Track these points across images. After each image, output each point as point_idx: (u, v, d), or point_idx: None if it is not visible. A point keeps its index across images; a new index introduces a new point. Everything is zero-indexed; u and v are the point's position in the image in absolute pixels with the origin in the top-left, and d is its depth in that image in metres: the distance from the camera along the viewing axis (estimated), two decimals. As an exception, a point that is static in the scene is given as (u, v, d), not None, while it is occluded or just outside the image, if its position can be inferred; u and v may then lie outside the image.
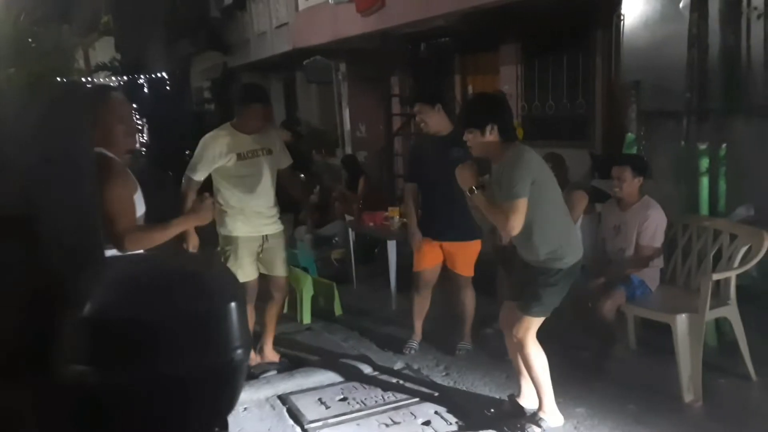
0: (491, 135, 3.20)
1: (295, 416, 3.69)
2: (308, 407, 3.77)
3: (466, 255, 4.38)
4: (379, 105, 10.31)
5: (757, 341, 3.93)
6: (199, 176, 4.00)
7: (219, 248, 4.15)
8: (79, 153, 1.33)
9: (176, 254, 1.98)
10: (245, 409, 3.79)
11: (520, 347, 3.34)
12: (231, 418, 3.65)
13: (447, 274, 4.49)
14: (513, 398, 3.63)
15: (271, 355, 4.38)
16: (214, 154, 3.96)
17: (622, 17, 5.20)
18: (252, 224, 4.08)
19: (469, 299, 4.46)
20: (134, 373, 1.01)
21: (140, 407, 1.05)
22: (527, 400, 3.56)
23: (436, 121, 4.25)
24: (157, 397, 1.04)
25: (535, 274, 3.26)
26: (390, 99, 10.81)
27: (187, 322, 1.05)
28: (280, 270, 4.24)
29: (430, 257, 4.43)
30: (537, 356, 3.33)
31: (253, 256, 4.12)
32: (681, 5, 4.69)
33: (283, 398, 3.90)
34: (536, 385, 3.38)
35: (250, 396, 3.89)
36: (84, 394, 1.03)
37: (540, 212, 3.16)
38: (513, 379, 3.94)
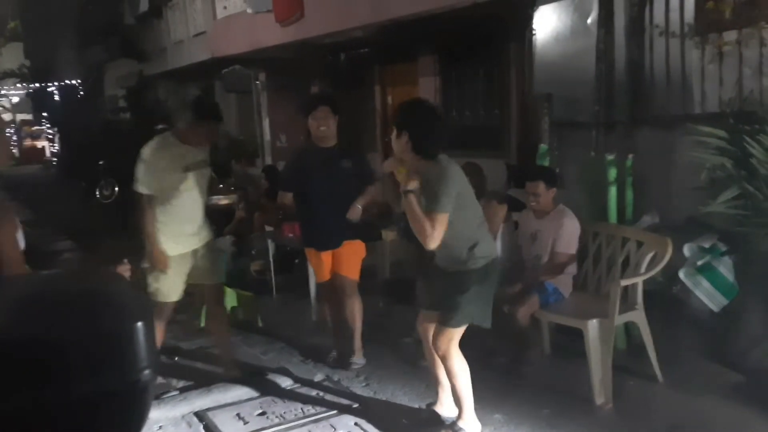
0: (404, 142, 3.18)
1: (212, 432, 3.59)
2: (226, 423, 3.67)
3: (349, 255, 4.31)
4: (300, 115, 10.24)
5: (663, 344, 4.11)
6: (152, 190, 3.78)
7: (146, 265, 3.95)
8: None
9: (79, 273, 1.88)
10: (160, 427, 3.66)
11: (444, 359, 3.32)
12: (143, 438, 3.50)
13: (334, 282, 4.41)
14: (431, 407, 3.63)
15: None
16: (164, 165, 3.77)
17: (533, 32, 5.36)
18: (183, 243, 3.92)
19: (356, 308, 4.36)
20: (34, 398, 0.97)
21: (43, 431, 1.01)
22: (445, 408, 3.57)
23: (333, 130, 4.21)
24: (59, 421, 1.01)
25: (450, 280, 3.26)
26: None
27: (90, 343, 1.02)
28: (217, 277, 4.16)
29: (321, 268, 4.39)
30: (461, 367, 3.32)
31: (183, 275, 3.95)
32: (589, 21, 4.88)
33: (200, 415, 3.78)
34: (458, 395, 3.37)
35: (165, 414, 3.77)
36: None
37: (457, 217, 3.18)
38: (432, 387, 3.96)
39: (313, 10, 7.83)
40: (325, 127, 4.17)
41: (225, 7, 9.89)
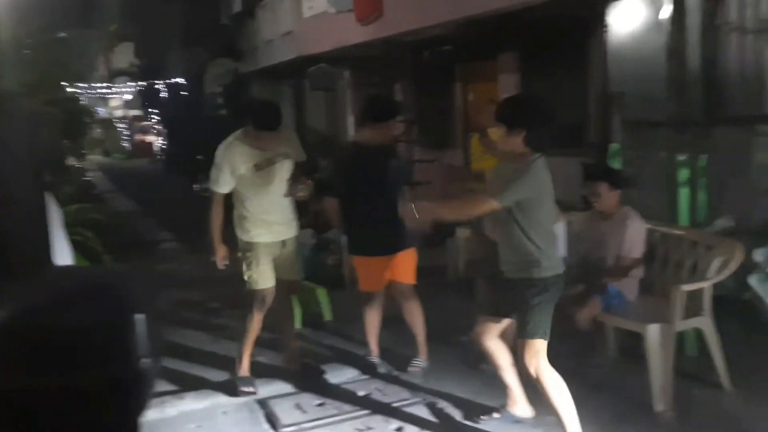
0: (520, 139, 3.11)
1: (271, 420, 3.77)
2: (285, 412, 3.84)
3: (406, 263, 4.25)
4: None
5: (734, 352, 3.96)
6: (223, 189, 4.04)
7: (239, 254, 4.17)
8: (26, 166, 1.41)
9: (87, 267, 2.08)
10: (224, 412, 3.89)
11: (537, 377, 3.21)
12: (209, 421, 3.75)
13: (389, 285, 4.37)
14: (504, 408, 3.66)
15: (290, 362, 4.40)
16: (232, 165, 3.97)
17: (606, 28, 5.24)
18: (272, 230, 4.09)
19: (416, 310, 4.32)
20: (37, 384, 1.04)
21: (46, 417, 1.07)
22: (518, 408, 3.62)
23: None
24: (62, 406, 1.08)
25: (522, 287, 3.19)
26: (393, 106, 10.90)
27: (92, 333, 1.10)
28: (297, 273, 4.29)
29: (379, 275, 4.25)
30: (555, 384, 3.21)
31: (272, 262, 4.13)
32: (662, 17, 4.73)
33: (262, 402, 3.98)
34: (560, 415, 3.22)
35: (230, 399, 4.01)
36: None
37: (534, 221, 3.16)
38: (489, 386, 4.00)
39: (392, 9, 7.95)
40: (392, 137, 4.19)
41: (311, 7, 10.18)
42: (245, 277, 4.12)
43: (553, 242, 3.31)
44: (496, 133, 4.91)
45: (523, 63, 8.03)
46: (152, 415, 3.84)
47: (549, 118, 3.24)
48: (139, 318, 1.17)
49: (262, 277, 4.09)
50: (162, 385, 4.20)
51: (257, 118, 4.04)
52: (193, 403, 3.98)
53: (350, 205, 4.22)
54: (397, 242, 4.19)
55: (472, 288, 5.28)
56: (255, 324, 4.16)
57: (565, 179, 4.71)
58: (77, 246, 4.99)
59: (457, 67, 9.36)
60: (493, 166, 3.41)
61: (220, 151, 4.05)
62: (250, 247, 4.09)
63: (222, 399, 4.03)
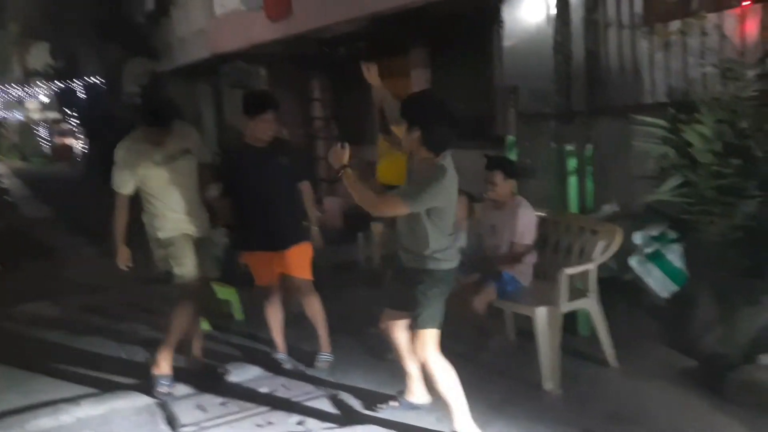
0: (415, 137, 3.11)
1: (170, 421, 3.76)
2: (185, 412, 3.83)
3: (298, 258, 4.30)
4: (300, 109, 10.41)
5: (620, 330, 4.18)
6: (125, 190, 4.01)
7: (161, 253, 4.12)
8: None
9: None
10: (122, 417, 3.85)
11: (426, 366, 3.29)
12: (106, 426, 3.70)
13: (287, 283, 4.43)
14: (401, 395, 3.76)
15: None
16: (131, 165, 3.97)
17: (501, 24, 5.41)
18: (187, 223, 4.09)
19: (315, 305, 4.38)
20: None
21: None
22: (415, 396, 3.73)
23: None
24: None
25: (417, 279, 3.26)
26: (311, 103, 10.95)
27: None
28: (213, 271, 4.31)
29: (269, 270, 4.33)
30: (443, 375, 3.26)
31: (194, 254, 4.09)
32: (551, 13, 4.92)
33: (163, 405, 3.96)
34: (447, 402, 3.31)
35: (129, 403, 3.97)
36: None
37: (432, 224, 3.19)
38: (396, 377, 4.09)
39: (301, 6, 7.97)
40: (272, 132, 4.15)
41: (222, 5, 10.09)
42: (176, 272, 4.07)
43: (452, 237, 3.34)
44: (400, 130, 5.01)
45: (432, 58, 8.17)
46: (46, 423, 3.78)
47: (444, 117, 3.13)
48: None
49: (192, 268, 4.08)
50: (57, 392, 4.15)
51: (146, 115, 4.03)
52: (89, 409, 3.91)
53: (236, 202, 4.26)
54: (285, 238, 4.25)
55: (383, 281, 5.38)
56: (188, 319, 4.15)
57: (472, 171, 4.85)
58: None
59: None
60: (409, 163, 3.35)
61: (119, 152, 4.03)
62: (172, 241, 4.07)
63: (120, 403, 3.98)
